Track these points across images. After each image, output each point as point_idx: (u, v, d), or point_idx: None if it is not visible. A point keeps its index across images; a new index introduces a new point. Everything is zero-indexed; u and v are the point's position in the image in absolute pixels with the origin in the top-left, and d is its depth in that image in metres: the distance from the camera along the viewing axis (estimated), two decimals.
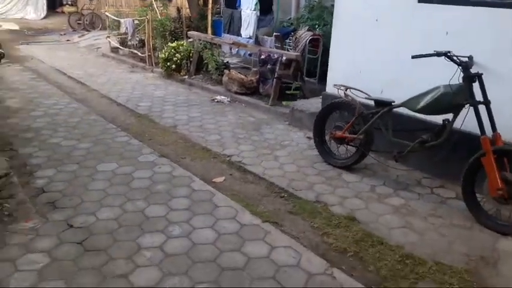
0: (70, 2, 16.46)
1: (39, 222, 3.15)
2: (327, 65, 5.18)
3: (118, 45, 10.41)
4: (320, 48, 6.90)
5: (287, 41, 7.61)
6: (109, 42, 10.67)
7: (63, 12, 16.59)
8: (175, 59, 7.89)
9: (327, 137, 4.54)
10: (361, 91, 4.24)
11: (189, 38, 8.32)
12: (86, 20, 14.64)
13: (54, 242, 2.94)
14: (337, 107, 4.43)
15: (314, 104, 5.56)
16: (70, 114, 5.80)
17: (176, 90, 7.32)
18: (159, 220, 3.26)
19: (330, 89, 4.99)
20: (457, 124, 3.51)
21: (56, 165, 4.17)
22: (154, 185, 3.82)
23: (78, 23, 14.82)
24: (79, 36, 13.32)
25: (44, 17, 16.76)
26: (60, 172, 4.02)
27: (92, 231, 3.09)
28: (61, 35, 13.75)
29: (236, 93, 6.75)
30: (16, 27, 14.44)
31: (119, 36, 10.52)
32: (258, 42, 7.97)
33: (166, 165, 4.23)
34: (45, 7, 16.85)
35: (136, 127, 5.39)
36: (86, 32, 14.05)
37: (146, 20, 8.83)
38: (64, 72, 8.46)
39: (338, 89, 4.34)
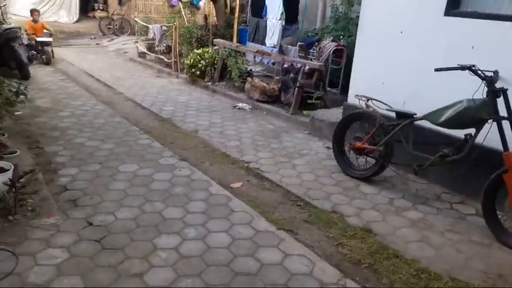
0: (101, 7, 17.00)
1: (60, 218, 3.25)
2: (350, 76, 5.17)
3: (145, 50, 10.66)
4: (343, 58, 6.90)
5: (311, 50, 7.63)
6: (137, 47, 10.94)
7: (94, 17, 17.12)
8: (199, 65, 8.02)
9: (346, 148, 4.53)
10: (383, 102, 4.22)
11: (215, 45, 8.45)
12: (116, 25, 15.06)
13: (73, 239, 3.02)
14: (358, 117, 4.42)
15: (335, 114, 5.55)
16: (96, 115, 5.97)
17: (199, 96, 7.43)
18: (176, 222, 3.31)
19: (351, 99, 4.98)
20: (479, 139, 3.45)
21: (79, 164, 4.29)
22: (172, 188, 3.89)
23: (108, 28, 15.26)
24: (108, 41, 13.69)
25: (76, 21, 17.31)
26: (83, 171, 4.14)
27: (110, 230, 3.16)
28: (91, 38, 14.18)
29: (258, 100, 6.81)
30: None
31: (147, 42, 10.79)
32: (282, 51, 8.04)
33: (186, 169, 4.30)
34: (77, 11, 17.41)
35: (159, 130, 5.50)
36: (115, 37, 14.44)
37: (173, 26, 9.03)
38: (92, 75, 8.72)
39: (360, 99, 4.33)
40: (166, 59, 9.66)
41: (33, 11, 9.84)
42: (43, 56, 9.34)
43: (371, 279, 2.78)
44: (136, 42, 11.07)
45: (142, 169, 4.25)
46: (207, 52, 8.17)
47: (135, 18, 11.56)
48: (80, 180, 3.95)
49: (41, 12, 10.84)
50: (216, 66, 8.01)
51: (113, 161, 4.42)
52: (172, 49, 9.16)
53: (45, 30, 9.86)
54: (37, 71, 8.60)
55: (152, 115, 6.23)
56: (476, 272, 2.88)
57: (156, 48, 10.46)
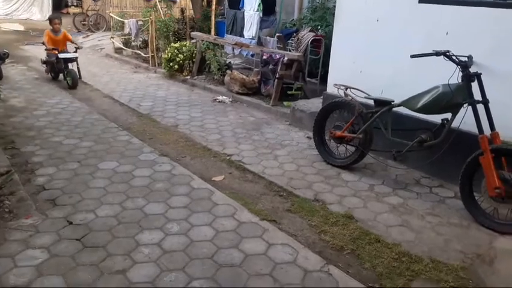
0: (75, 3, 16.60)
1: (39, 219, 3.19)
2: (329, 66, 5.19)
3: (121, 45, 10.47)
4: (321, 48, 6.90)
5: (289, 41, 7.62)
6: (113, 42, 10.74)
7: (68, 13, 16.71)
8: (177, 59, 7.93)
9: (327, 137, 4.56)
10: (361, 91, 4.26)
11: (192, 38, 8.36)
12: (91, 21, 14.74)
13: (53, 239, 2.97)
14: (337, 106, 4.45)
15: (315, 104, 5.58)
16: (73, 113, 5.85)
17: (178, 91, 7.36)
18: (158, 218, 3.28)
19: (330, 88, 5.01)
20: (456, 123, 3.51)
21: (57, 163, 4.21)
22: (153, 183, 3.85)
23: (83, 24, 14.92)
24: (83, 37, 13.40)
25: None
26: (61, 170, 4.06)
27: (91, 228, 3.12)
28: None
29: (238, 93, 6.78)
30: (21, 28, 14.55)
31: (123, 37, 10.60)
32: (260, 43, 8.01)
33: (166, 164, 4.26)
34: (50, 8, 16.94)
35: (138, 126, 5.43)
36: (90, 33, 14.14)
37: (150, 20, 8.89)
38: None
39: (338, 88, 4.35)
40: (143, 54, 9.51)
41: (52, 20, 7.43)
42: (67, 78, 7.21)
43: (353, 264, 2.81)
44: (112, 37, 10.86)
45: (122, 166, 4.20)
46: (185, 46, 8.08)
47: (110, 14, 11.33)
48: (58, 179, 3.87)
49: (11, 10, 10.03)
50: (194, 59, 7.93)
51: (92, 159, 4.35)
52: (149, 44, 9.03)
53: (69, 43, 7.62)
54: (9, 70, 8.36)
55: (130, 111, 6.14)
56: (455, 252, 2.95)
57: (133, 44, 10.29)
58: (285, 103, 6.23)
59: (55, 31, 7.38)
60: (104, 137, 4.95)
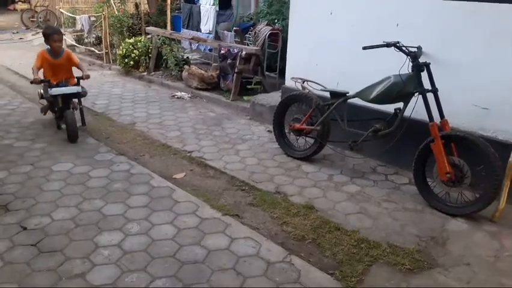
0: None
1: None
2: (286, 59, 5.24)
3: (74, 42, 10.10)
4: (279, 42, 6.95)
5: (247, 35, 7.62)
6: (65, 40, 10.30)
7: (15, 10, 15.91)
8: (133, 55, 7.74)
9: (286, 130, 4.61)
10: (317, 83, 4.33)
11: (147, 34, 8.18)
12: (40, 18, 14.11)
13: (6, 245, 2.84)
14: (295, 99, 4.50)
15: (274, 98, 5.62)
16: (23, 114, 5.60)
17: (134, 87, 7.19)
18: (117, 218, 3.21)
19: (289, 82, 5.06)
20: (408, 112, 3.64)
21: (8, 167, 4.02)
22: (111, 184, 3.75)
23: (31, 21, 14.27)
24: (33, 34, 12.82)
25: None
26: (12, 174, 3.88)
27: (47, 233, 3.01)
28: (13, 33, 13.18)
29: (196, 88, 6.72)
30: None
31: (75, 34, 10.22)
32: (218, 37, 7.95)
33: (124, 163, 4.17)
34: None
35: (93, 125, 5.26)
36: (40, 30, 13.51)
37: (102, 16, 8.61)
38: (16, 72, 8.12)
39: (296, 81, 4.41)
40: (97, 51, 9.22)
41: (50, 35, 4.82)
42: (61, 125, 4.85)
43: (314, 253, 2.87)
44: (63, 34, 10.42)
45: (78, 167, 4.06)
46: (140, 41, 7.90)
47: (60, 10, 10.86)
48: (10, 183, 3.70)
49: None
50: (150, 55, 7.77)
51: (45, 161, 4.18)
52: (103, 40, 8.76)
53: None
54: None
55: (84, 110, 5.92)
56: (411, 236, 3.07)
57: (85, 40, 9.94)
58: (245, 98, 6.23)
59: (54, 53, 4.84)
60: (57, 138, 4.77)
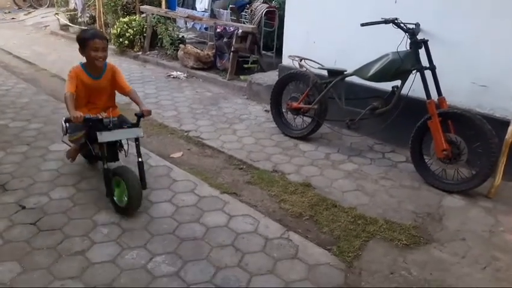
0: None
1: None
2: (283, 37, 5.18)
3: (67, 22, 9.92)
4: (276, 20, 6.87)
5: (243, 13, 7.51)
6: (58, 19, 10.15)
7: None
8: (127, 34, 7.64)
9: (284, 109, 4.60)
10: (315, 61, 4.30)
11: (142, 12, 8.05)
12: None
13: (5, 224, 2.84)
14: (292, 78, 4.47)
15: (271, 77, 5.58)
16: (18, 95, 5.54)
17: (130, 67, 7.11)
18: None
19: (286, 60, 5.02)
20: (405, 90, 3.63)
21: (4, 147, 4.00)
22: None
23: (23, 0, 13.97)
24: (25, 14, 12.59)
25: None
26: (9, 154, 3.87)
27: (46, 212, 3.01)
28: (6, 13, 12.94)
29: (192, 68, 6.66)
30: None
31: (69, 13, 10.03)
32: (213, 15, 7.83)
33: None
34: None
35: None
36: (32, 10, 13.30)
37: None
38: (10, 52, 8.02)
39: (293, 60, 4.38)
40: None
41: (89, 40, 3.05)
42: (115, 188, 3.02)
43: (312, 229, 2.91)
44: (57, 14, 10.25)
45: None
46: (135, 20, 7.78)
47: None
48: (7, 163, 3.69)
49: None
50: (145, 34, 7.67)
51: (42, 141, 4.16)
52: (97, 19, 8.62)
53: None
54: None
55: None
56: (408, 213, 3.11)
57: (79, 20, 9.75)
58: (242, 77, 6.19)
59: (94, 70, 3.19)
60: (54, 118, 4.73)
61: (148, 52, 7.63)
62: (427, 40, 3.51)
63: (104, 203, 3.13)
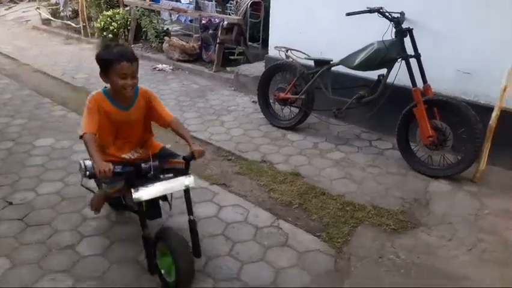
0: None
1: None
2: (269, 28, 5.17)
3: (49, 16, 9.75)
4: (261, 11, 6.84)
5: (228, 5, 7.46)
6: (40, 14, 9.96)
7: None
8: (111, 28, 7.53)
9: (271, 100, 4.60)
10: (301, 52, 4.30)
11: (126, 5, 7.94)
12: None
13: None
14: (279, 69, 4.47)
15: (258, 68, 5.57)
16: (1, 90, 5.45)
17: None
18: None
19: (272, 51, 5.01)
20: (391, 79, 3.66)
21: None
22: None
23: None
24: (6, 9, 12.31)
25: None
26: None
27: (33, 207, 2.98)
28: None
29: (178, 60, 6.61)
30: None
31: (50, 7, 9.87)
32: (198, 7, 7.75)
33: None
34: None
35: (74, 100, 5.15)
36: (13, 4, 12.99)
37: None
38: None
39: (279, 50, 4.37)
40: (74, 25, 8.93)
41: (115, 62, 2.20)
42: (159, 263, 2.29)
43: (301, 217, 2.93)
44: (38, 8, 10.06)
45: (60, 141, 4.00)
46: (118, 13, 7.68)
47: None
48: None
49: None
50: (129, 27, 7.58)
51: (27, 137, 4.11)
52: (79, 13, 8.47)
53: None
54: None
55: (64, 85, 5.81)
56: (395, 199, 3.15)
57: (62, 14, 9.60)
58: (228, 68, 6.17)
59: (121, 99, 2.35)
60: (38, 113, 4.67)
61: (133, 45, 7.52)
62: (412, 29, 3.53)
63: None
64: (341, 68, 4.00)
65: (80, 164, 2.37)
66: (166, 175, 2.32)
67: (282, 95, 4.35)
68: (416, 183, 3.37)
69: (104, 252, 2.55)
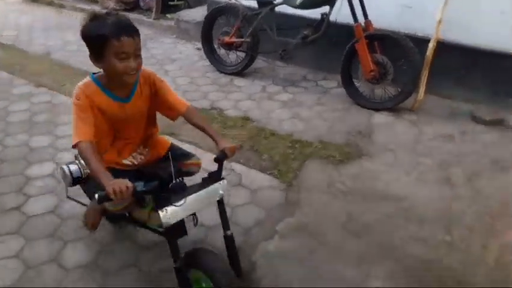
0: None
1: None
2: None
3: None
4: None
5: None
6: None
7: None
8: None
9: (216, 45, 4.49)
10: None
11: None
12: None
13: None
14: (221, 12, 4.34)
15: (200, 13, 5.38)
16: None
17: (45, 14, 6.51)
18: (45, 150, 3.08)
19: None
20: (334, 17, 3.66)
21: None
22: (34, 116, 3.53)
23: None
24: None
25: None
26: None
27: None
28: None
29: (114, 10, 6.21)
30: None
31: None
32: None
33: (45, 94, 3.90)
34: None
35: (3, 59, 4.77)
36: None
37: None
38: None
39: None
40: None
41: (109, 38, 1.63)
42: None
43: (253, 158, 2.98)
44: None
45: None
46: None
47: None
48: None
49: None
50: None
51: None
52: None
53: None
54: None
55: None
56: (341, 133, 3.27)
57: None
58: (168, 15, 5.91)
59: (120, 87, 1.80)
60: None
61: None
62: None
63: (34, 156, 2.98)
64: (285, 8, 3.93)
65: (64, 170, 2.00)
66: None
67: (226, 39, 4.24)
68: (360, 117, 3.49)
69: (56, 210, 2.49)
